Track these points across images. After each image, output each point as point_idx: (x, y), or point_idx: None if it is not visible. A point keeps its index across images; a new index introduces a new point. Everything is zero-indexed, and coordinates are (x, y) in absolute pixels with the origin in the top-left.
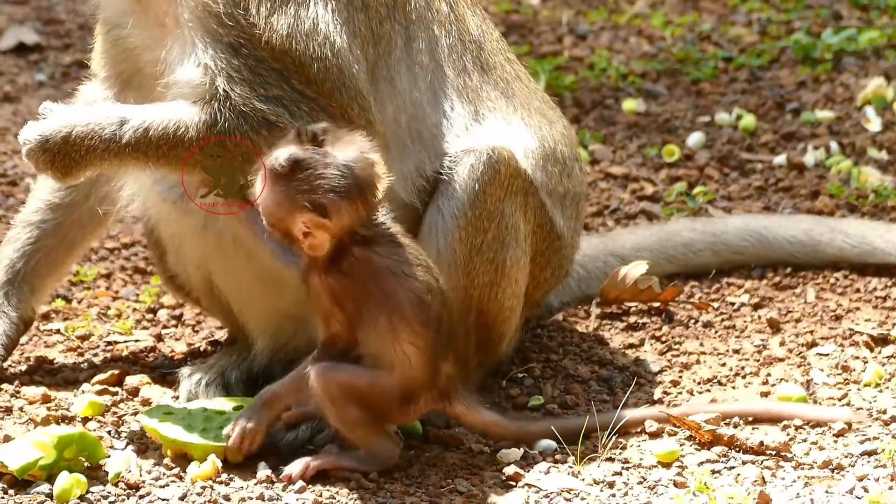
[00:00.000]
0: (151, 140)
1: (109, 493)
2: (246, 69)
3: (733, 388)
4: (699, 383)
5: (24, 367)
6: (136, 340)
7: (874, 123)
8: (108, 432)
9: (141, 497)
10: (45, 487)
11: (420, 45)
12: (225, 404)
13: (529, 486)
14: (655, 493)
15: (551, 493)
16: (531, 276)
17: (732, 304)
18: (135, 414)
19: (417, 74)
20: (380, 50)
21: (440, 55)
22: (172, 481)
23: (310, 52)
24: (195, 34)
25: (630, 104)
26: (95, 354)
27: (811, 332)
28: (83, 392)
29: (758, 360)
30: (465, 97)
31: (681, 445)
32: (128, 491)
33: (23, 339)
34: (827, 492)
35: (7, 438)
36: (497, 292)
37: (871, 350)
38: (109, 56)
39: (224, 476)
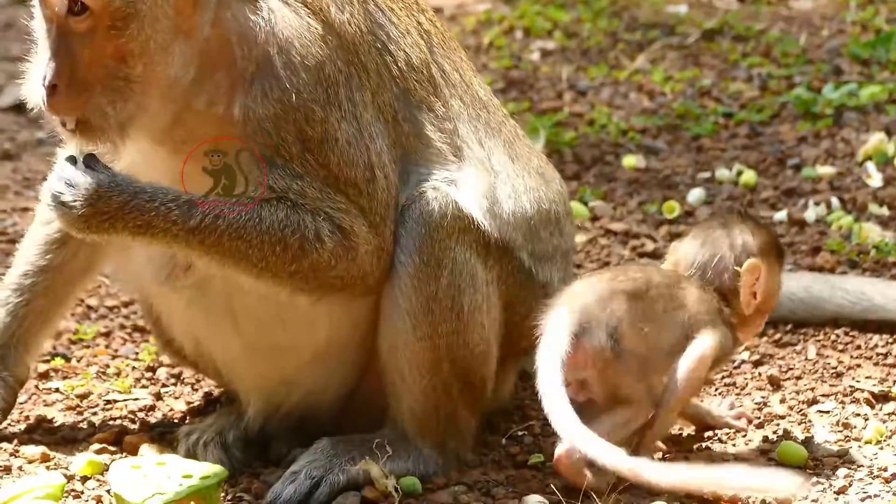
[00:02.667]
0: (219, 229)
1: None
2: (313, 189)
3: (734, 445)
4: (700, 440)
5: (23, 426)
6: (136, 399)
7: (875, 179)
8: (108, 491)
9: None
10: None
11: (446, 126)
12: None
13: None
14: None
15: None
16: (513, 325)
17: (733, 361)
18: None
19: (445, 162)
20: (409, 153)
21: (464, 131)
22: None
23: (374, 182)
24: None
25: (630, 160)
26: (95, 413)
27: (812, 389)
28: (82, 451)
29: (759, 418)
30: (483, 168)
31: None
32: None
33: (22, 398)
34: None
35: None
36: (464, 338)
37: (872, 407)
38: None
39: None
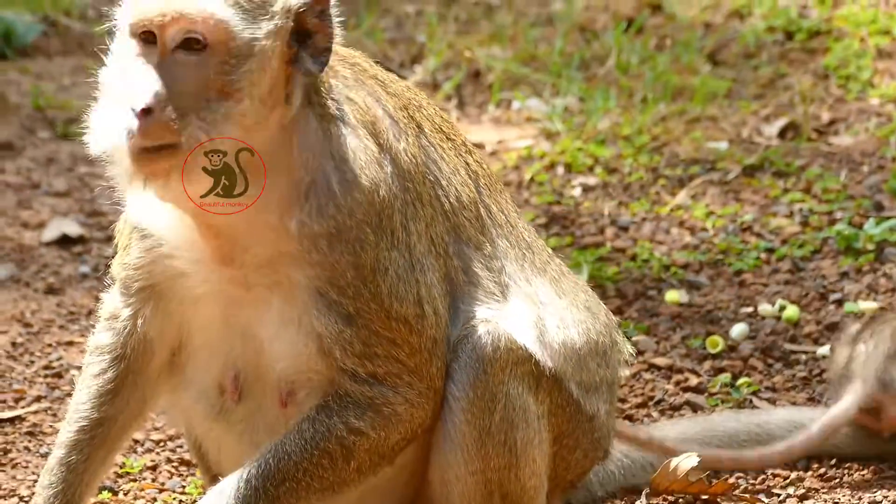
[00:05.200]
0: (259, 490)
1: None
2: (358, 341)
3: None
4: None
5: None
6: None
7: None
8: None
9: None
10: None
11: (494, 265)
12: None
13: None
14: None
15: None
16: (561, 458)
17: (778, 495)
18: None
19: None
20: (457, 288)
21: (511, 270)
22: None
23: (424, 318)
24: (308, 298)
25: (673, 295)
26: None
27: None
28: None
29: None
30: (531, 302)
31: None
32: None
33: None
34: None
35: None
36: (516, 473)
37: None
38: (142, 267)
39: None
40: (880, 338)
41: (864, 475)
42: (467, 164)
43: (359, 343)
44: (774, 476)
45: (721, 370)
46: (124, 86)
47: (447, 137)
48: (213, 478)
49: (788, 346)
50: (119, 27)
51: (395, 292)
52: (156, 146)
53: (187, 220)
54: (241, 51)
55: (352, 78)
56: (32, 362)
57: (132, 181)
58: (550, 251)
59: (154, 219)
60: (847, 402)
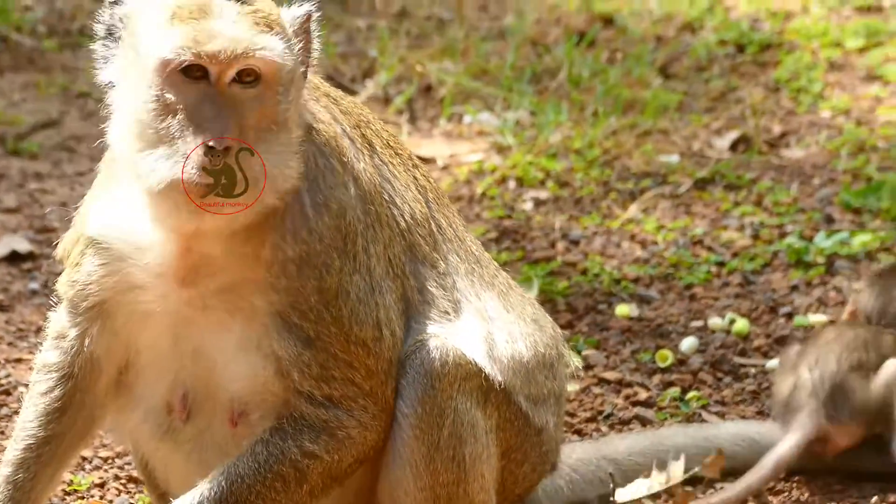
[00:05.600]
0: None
1: None
2: (316, 364)
3: None
4: None
5: None
6: None
7: None
8: None
9: None
10: None
11: (447, 282)
12: None
13: None
14: None
15: None
16: (509, 472)
17: None
18: None
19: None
20: (412, 308)
21: (462, 285)
22: None
23: (381, 341)
24: (269, 321)
25: (623, 309)
26: None
27: None
28: None
29: None
30: (480, 317)
31: None
32: None
33: None
34: None
35: None
36: (464, 488)
37: None
38: (93, 283)
39: None
40: (825, 366)
41: (812, 489)
42: (416, 178)
43: (316, 366)
44: (723, 489)
45: (670, 384)
46: (179, 120)
47: (395, 153)
48: (161, 496)
49: (738, 360)
50: (137, 57)
51: (355, 316)
52: None
53: (171, 239)
54: (287, 79)
55: (308, 96)
56: None
57: (190, 214)
58: (497, 265)
59: (124, 232)
60: (797, 436)
